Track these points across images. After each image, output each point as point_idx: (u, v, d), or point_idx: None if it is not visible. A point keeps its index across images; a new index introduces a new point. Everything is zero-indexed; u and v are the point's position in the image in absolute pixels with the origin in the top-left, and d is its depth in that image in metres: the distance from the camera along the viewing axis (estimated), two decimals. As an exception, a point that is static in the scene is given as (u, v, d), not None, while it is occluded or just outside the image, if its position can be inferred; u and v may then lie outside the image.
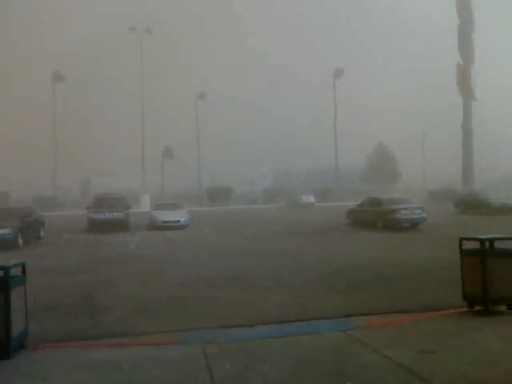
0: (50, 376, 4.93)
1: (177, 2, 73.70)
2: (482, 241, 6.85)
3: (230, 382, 4.75)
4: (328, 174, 60.11)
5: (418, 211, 21.05)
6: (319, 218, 28.70)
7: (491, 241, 6.96)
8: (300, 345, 5.75)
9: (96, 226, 21.99)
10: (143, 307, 7.86)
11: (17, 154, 59.61)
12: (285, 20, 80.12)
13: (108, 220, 22.23)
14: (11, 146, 59.60)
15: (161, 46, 61.19)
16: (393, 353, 5.30)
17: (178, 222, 23.33)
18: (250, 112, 73.31)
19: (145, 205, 41.91)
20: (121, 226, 22.17)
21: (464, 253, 7.07)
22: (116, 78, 65.63)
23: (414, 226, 20.65)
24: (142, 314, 7.50)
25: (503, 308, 6.86)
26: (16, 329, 5.47)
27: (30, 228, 18.23)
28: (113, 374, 4.97)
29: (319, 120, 63.58)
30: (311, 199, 45.42)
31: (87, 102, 65.49)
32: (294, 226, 22.94)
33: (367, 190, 40.54)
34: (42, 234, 19.71)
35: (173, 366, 5.15)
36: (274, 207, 43.88)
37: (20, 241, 16.82)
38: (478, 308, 6.86)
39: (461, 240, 7.11)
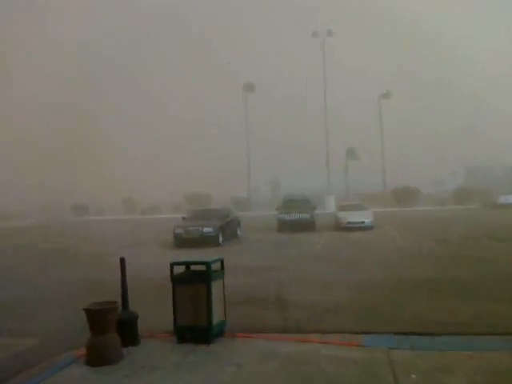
0: (242, 363, 5.46)
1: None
2: None
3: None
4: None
5: None
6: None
7: None
8: (493, 361, 5.27)
9: (284, 226, 23.23)
10: (327, 307, 8.09)
11: (214, 159, 66.50)
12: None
13: (295, 220, 23.28)
14: (210, 152, 66.89)
15: (342, 47, 61.39)
16: None
17: (363, 223, 23.19)
18: (436, 103, 68.72)
19: (329, 206, 42.53)
20: (307, 226, 23.02)
21: None
22: (297, 80, 68.13)
23: None
24: (326, 313, 7.73)
25: None
26: (216, 318, 6.18)
27: (228, 227, 20.15)
28: (299, 367, 5.27)
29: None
30: (511, 199, 40.43)
31: (273, 108, 69.22)
32: (490, 230, 20.78)
33: None
34: (238, 233, 21.60)
35: (356, 367, 5.22)
36: (467, 208, 40.32)
37: (220, 238, 18.73)
38: None
39: None
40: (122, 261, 6.34)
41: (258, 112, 60.39)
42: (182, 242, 18.36)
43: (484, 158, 59.52)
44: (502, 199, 40.19)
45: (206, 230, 18.44)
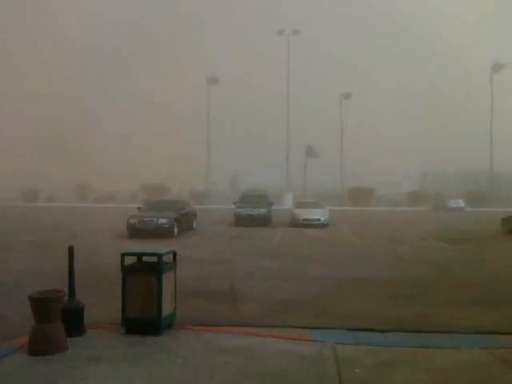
0: (190, 355, 5.42)
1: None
2: None
3: (359, 384, 4.75)
4: (481, 177, 55.25)
5: None
6: (468, 224, 26.60)
7: None
8: (434, 357, 5.47)
9: (241, 220, 23.28)
10: (279, 301, 8.17)
11: (174, 151, 65.86)
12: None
13: (252, 215, 23.38)
14: (169, 144, 66.15)
15: (306, 47, 61.98)
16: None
17: (319, 220, 23.56)
18: (396, 111, 70.64)
19: (287, 202, 42.98)
20: (264, 221, 23.17)
21: None
22: (262, 78, 68.42)
23: None
24: (277, 307, 7.80)
25: None
26: (166, 310, 6.11)
27: (184, 219, 19.97)
28: (246, 361, 5.28)
29: (475, 120, 58.68)
30: (460, 204, 42.18)
31: (237, 103, 69.14)
32: (440, 231, 21.59)
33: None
34: (194, 225, 21.46)
35: (302, 361, 5.29)
36: (419, 211, 41.71)
37: (175, 230, 18.55)
38: None
39: None
40: (70, 250, 6.16)
41: (220, 107, 60.27)
42: (135, 232, 18.05)
43: (439, 163, 61.71)
44: (452, 203, 41.85)
45: (160, 221, 18.21)
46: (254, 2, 79.44)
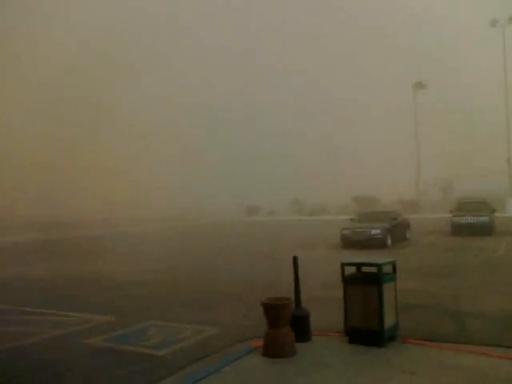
0: (417, 371, 5.27)
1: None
2: None
3: None
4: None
5: None
6: None
7: None
8: None
9: (459, 229, 21.65)
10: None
11: (382, 161, 65.05)
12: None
13: (471, 224, 21.52)
14: (378, 155, 65.48)
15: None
16: None
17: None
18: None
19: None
20: (485, 230, 21.09)
21: None
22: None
23: None
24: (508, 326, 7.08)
25: None
26: (388, 322, 6.09)
27: (397, 229, 19.50)
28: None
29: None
30: None
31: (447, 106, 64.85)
32: None
33: None
34: (407, 235, 20.79)
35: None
36: None
37: (389, 241, 18.27)
38: None
39: None
40: (295, 260, 6.64)
41: (426, 112, 57.21)
42: (349, 243, 18.36)
43: None
44: None
45: (373, 232, 18.15)
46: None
